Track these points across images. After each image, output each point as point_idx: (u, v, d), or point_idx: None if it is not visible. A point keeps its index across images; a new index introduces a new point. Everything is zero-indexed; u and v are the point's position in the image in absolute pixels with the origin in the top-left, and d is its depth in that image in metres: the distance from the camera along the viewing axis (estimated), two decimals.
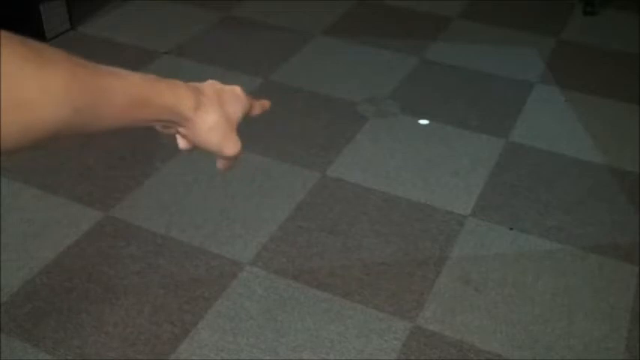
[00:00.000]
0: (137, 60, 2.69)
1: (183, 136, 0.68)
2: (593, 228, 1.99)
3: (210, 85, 0.69)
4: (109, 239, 1.90)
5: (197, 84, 0.68)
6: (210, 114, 0.66)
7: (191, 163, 2.15)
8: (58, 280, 1.77)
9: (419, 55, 2.82)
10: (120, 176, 2.13)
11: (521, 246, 1.92)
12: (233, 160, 0.71)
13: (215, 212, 2.01)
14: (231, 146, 0.69)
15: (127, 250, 1.87)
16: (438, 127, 2.41)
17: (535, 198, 2.09)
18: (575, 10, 3.21)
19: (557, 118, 2.48)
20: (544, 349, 1.64)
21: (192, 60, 2.74)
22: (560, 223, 2.00)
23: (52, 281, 1.77)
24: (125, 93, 0.56)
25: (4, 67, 0.44)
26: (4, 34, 0.45)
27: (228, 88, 0.71)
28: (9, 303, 1.70)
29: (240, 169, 2.17)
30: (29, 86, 0.45)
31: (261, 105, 0.78)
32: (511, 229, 1.98)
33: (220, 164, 0.73)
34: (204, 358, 1.59)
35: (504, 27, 3.07)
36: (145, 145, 2.22)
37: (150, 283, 1.77)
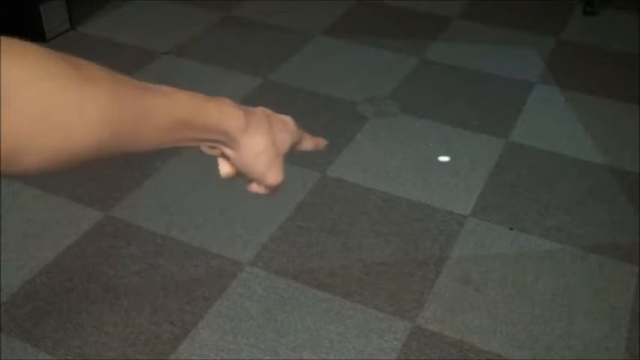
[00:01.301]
0: (137, 60, 2.69)
1: (228, 159, 0.64)
2: (593, 228, 1.99)
3: (262, 110, 0.66)
4: (109, 239, 1.90)
5: (248, 107, 0.64)
6: (260, 138, 0.63)
7: (191, 163, 2.15)
8: (58, 280, 1.77)
9: (419, 55, 2.82)
10: (120, 176, 2.13)
11: (521, 246, 1.92)
12: (273, 190, 0.68)
13: (215, 212, 2.01)
14: (275, 175, 0.66)
15: (127, 250, 1.87)
16: (438, 127, 2.41)
17: (535, 198, 2.09)
18: (575, 10, 3.21)
19: (557, 118, 2.48)
20: (544, 349, 1.64)
21: (192, 60, 2.74)
22: (560, 223, 2.00)
23: (52, 281, 1.77)
24: (169, 113, 0.52)
25: (42, 86, 0.41)
26: (43, 50, 0.42)
27: (279, 116, 0.68)
28: (9, 303, 1.70)
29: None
30: (68, 108, 0.42)
31: (315, 142, 0.74)
32: (511, 229, 1.98)
33: (254, 188, 0.69)
34: (204, 358, 1.59)
35: (504, 27, 3.07)
36: None
37: (150, 283, 1.77)
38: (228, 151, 0.62)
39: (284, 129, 0.67)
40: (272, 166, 0.66)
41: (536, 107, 2.53)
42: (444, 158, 2.24)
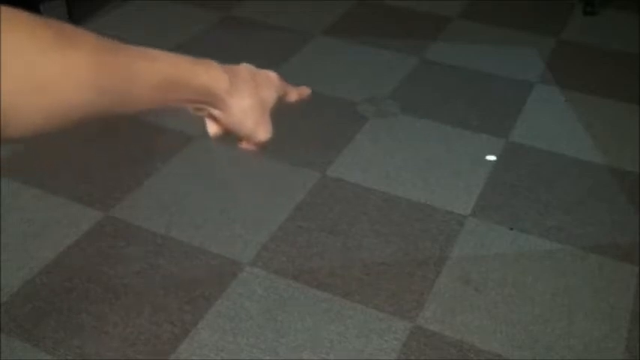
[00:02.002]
0: None
1: (216, 120, 0.66)
2: (593, 228, 1.99)
3: (245, 68, 0.68)
4: (109, 239, 1.90)
5: (232, 66, 0.66)
6: (246, 97, 0.65)
7: (191, 163, 2.15)
8: (58, 280, 1.77)
9: (419, 55, 2.82)
10: (120, 176, 2.13)
11: (521, 246, 1.92)
12: (262, 145, 0.70)
13: (215, 212, 2.00)
14: (263, 131, 0.68)
15: (127, 250, 1.87)
16: (438, 127, 2.41)
17: (535, 198, 2.09)
18: (575, 10, 3.21)
19: (557, 118, 2.48)
20: (544, 349, 1.64)
21: None
22: (560, 223, 2.00)
23: (52, 281, 1.77)
24: (155, 75, 0.54)
25: (25, 50, 0.43)
26: (27, 15, 0.44)
27: (262, 72, 0.70)
28: (9, 303, 1.70)
29: (240, 169, 2.17)
30: (51, 69, 0.44)
31: (299, 92, 0.76)
32: (511, 229, 1.98)
33: (245, 145, 0.71)
34: (204, 358, 1.59)
35: (504, 27, 3.07)
36: (145, 145, 2.22)
37: (150, 283, 1.77)
38: (216, 112, 0.65)
39: (269, 85, 0.70)
40: (260, 123, 0.68)
41: (536, 107, 2.53)
42: (491, 157, 2.23)
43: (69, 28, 0.47)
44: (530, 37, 2.99)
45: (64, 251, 1.85)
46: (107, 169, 2.16)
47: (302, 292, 1.76)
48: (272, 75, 0.71)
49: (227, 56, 2.55)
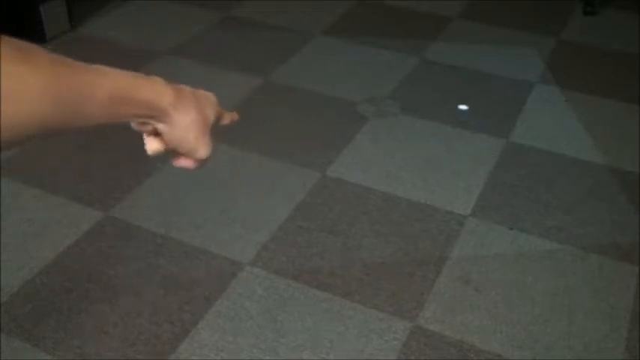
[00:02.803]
0: (137, 60, 2.69)
1: (159, 135, 0.68)
2: (593, 228, 1.99)
3: (186, 87, 0.70)
4: (109, 239, 1.90)
5: (175, 84, 0.69)
6: (190, 111, 0.67)
7: None
8: (58, 280, 1.77)
9: (419, 55, 2.82)
10: (120, 176, 2.13)
11: (521, 246, 1.92)
12: (201, 163, 0.72)
13: (215, 212, 2.01)
14: (204, 148, 0.70)
15: (127, 250, 1.87)
16: (438, 127, 2.41)
17: (535, 198, 2.09)
18: (575, 10, 3.21)
19: (557, 118, 2.48)
20: (544, 349, 1.64)
21: (192, 60, 2.74)
22: (560, 223, 2.00)
23: (52, 281, 1.77)
24: (105, 89, 0.57)
25: None
26: None
27: (202, 92, 0.72)
28: (9, 303, 1.71)
29: (240, 168, 2.17)
30: (9, 84, 0.46)
31: (231, 116, 0.78)
32: (511, 229, 1.98)
33: (183, 162, 0.72)
34: (204, 358, 1.59)
35: (504, 27, 3.07)
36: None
37: (150, 283, 1.77)
38: (160, 127, 0.66)
39: (209, 104, 0.72)
40: (201, 139, 0.69)
41: (536, 107, 2.53)
42: (463, 106, 2.22)
43: (23, 44, 0.50)
44: (530, 37, 2.99)
45: (64, 251, 1.86)
46: (107, 169, 2.16)
47: (302, 292, 1.76)
48: (211, 96, 0.73)
49: (227, 56, 2.55)
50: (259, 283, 1.78)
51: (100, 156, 2.22)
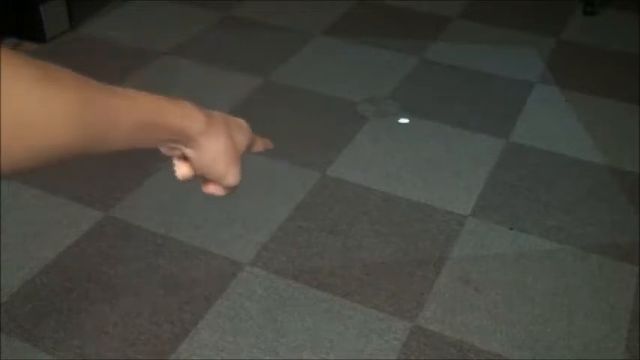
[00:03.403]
0: (137, 60, 2.69)
1: (188, 160, 0.66)
2: (593, 228, 1.99)
3: (219, 112, 0.67)
4: (109, 239, 1.90)
5: (206, 109, 0.66)
6: (220, 138, 0.65)
7: None
8: (58, 280, 1.77)
9: (419, 55, 2.82)
10: (120, 176, 2.13)
11: (521, 246, 1.92)
12: (231, 190, 0.70)
13: (215, 212, 2.01)
14: (234, 175, 0.68)
15: (127, 250, 1.87)
16: (438, 127, 2.41)
17: (535, 198, 2.09)
18: (575, 10, 3.21)
19: (557, 118, 2.48)
20: (544, 349, 1.64)
21: (192, 60, 2.74)
22: (560, 223, 2.00)
23: (52, 281, 1.77)
24: (134, 114, 0.54)
25: (9, 88, 0.42)
26: (8, 52, 0.43)
27: (234, 118, 0.70)
28: (9, 303, 1.71)
29: (240, 168, 2.17)
30: (34, 108, 0.44)
31: (264, 143, 0.76)
32: (511, 229, 1.98)
33: (212, 188, 0.71)
34: (204, 358, 1.59)
35: (504, 27, 3.07)
36: None
37: (150, 283, 1.77)
38: (189, 152, 0.64)
39: (240, 131, 0.69)
40: (231, 167, 0.68)
41: (536, 107, 2.53)
42: (404, 120, 2.22)
43: (50, 65, 0.47)
44: (530, 37, 2.99)
45: (64, 251, 1.86)
46: (107, 169, 2.16)
47: (302, 292, 1.76)
48: (243, 122, 0.71)
49: (227, 56, 2.55)
50: (259, 283, 1.78)
51: (100, 156, 2.21)
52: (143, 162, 2.18)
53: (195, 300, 1.73)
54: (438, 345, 1.64)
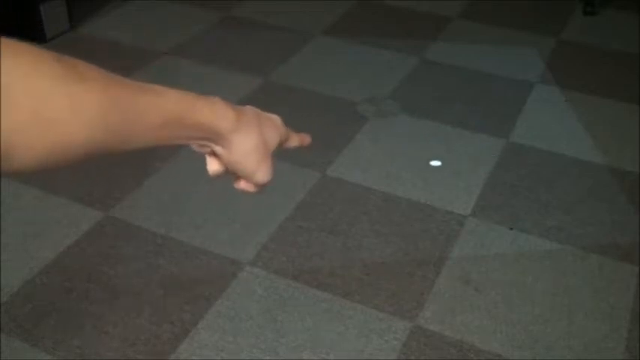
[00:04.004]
0: (137, 60, 2.69)
1: (218, 157, 0.65)
2: (593, 228, 1.99)
3: (251, 109, 0.66)
4: (109, 239, 1.90)
5: (237, 105, 0.64)
6: (251, 136, 0.64)
7: (191, 163, 2.15)
8: (58, 280, 1.77)
9: (419, 55, 2.82)
10: (120, 176, 2.13)
11: (521, 246, 1.92)
12: (262, 187, 0.69)
13: (215, 212, 2.01)
14: (265, 173, 0.67)
15: (127, 250, 1.87)
16: (438, 127, 2.41)
17: (535, 198, 2.09)
18: (575, 10, 3.21)
19: (557, 118, 2.48)
20: (544, 349, 1.64)
21: (192, 60, 2.74)
22: (560, 223, 2.00)
23: (52, 281, 1.77)
24: (161, 111, 0.53)
25: (35, 84, 0.42)
26: (38, 49, 0.43)
27: (267, 114, 0.69)
28: (9, 303, 1.71)
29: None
30: (60, 105, 0.43)
31: (301, 138, 0.75)
32: (511, 229, 1.98)
33: (243, 185, 0.70)
34: (204, 358, 1.59)
35: (504, 27, 3.07)
36: None
37: (150, 283, 1.77)
38: (218, 149, 0.63)
39: (272, 127, 0.68)
40: (262, 164, 0.66)
41: (536, 107, 2.53)
42: (436, 163, 2.23)
43: (79, 62, 0.46)
44: (530, 37, 2.99)
45: (64, 251, 1.86)
46: (107, 169, 2.16)
47: (302, 292, 1.76)
48: (275, 118, 0.70)
49: (227, 56, 2.56)
50: (259, 283, 1.78)
51: (125, 153, 2.21)
52: (143, 162, 2.18)
53: (195, 300, 1.73)
54: (438, 345, 1.64)
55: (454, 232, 1.96)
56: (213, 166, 0.67)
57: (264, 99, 2.47)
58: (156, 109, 0.53)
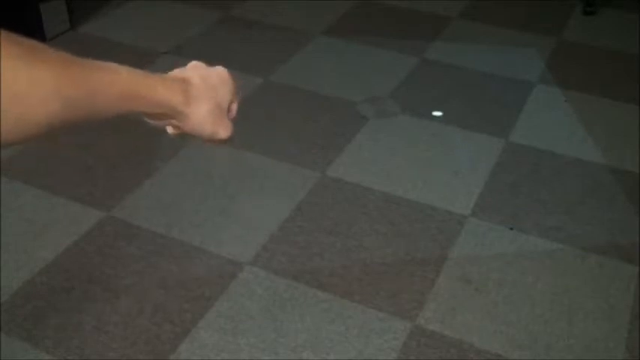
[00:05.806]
0: (137, 60, 2.69)
1: (175, 127, 0.69)
2: (593, 228, 1.99)
3: (196, 71, 0.70)
4: (109, 239, 1.90)
5: (183, 73, 0.69)
6: (201, 103, 0.68)
7: (191, 163, 2.15)
8: (58, 280, 1.77)
9: (419, 55, 2.82)
10: (120, 176, 2.13)
11: (521, 246, 1.92)
12: (225, 143, 0.72)
13: (215, 212, 2.01)
14: (223, 131, 0.71)
15: (127, 250, 1.87)
16: (438, 127, 2.41)
17: (535, 198, 2.09)
18: (575, 10, 3.21)
19: (557, 118, 2.48)
20: (544, 349, 1.64)
21: (192, 60, 2.73)
22: (560, 223, 2.00)
23: (52, 281, 1.77)
24: (116, 87, 0.58)
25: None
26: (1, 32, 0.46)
27: (213, 71, 0.72)
28: (9, 303, 1.70)
29: (240, 168, 2.17)
30: (20, 84, 0.47)
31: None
32: (511, 229, 1.98)
33: (209, 144, 0.74)
34: (204, 358, 1.59)
35: (504, 27, 3.07)
36: (145, 145, 2.22)
37: (150, 283, 1.77)
38: (175, 122, 0.68)
39: (221, 84, 0.72)
40: (219, 124, 0.70)
41: (536, 107, 2.53)
42: (437, 113, 2.22)
43: (38, 44, 0.50)
44: (530, 37, 2.99)
45: (64, 251, 1.85)
46: (107, 169, 2.16)
47: (302, 292, 1.76)
48: (222, 71, 0.74)
49: (227, 56, 2.55)
50: (259, 283, 1.78)
51: (100, 156, 2.22)
52: (143, 162, 2.18)
53: (195, 300, 1.73)
54: (437, 345, 1.64)
55: (454, 232, 1.96)
56: (171, 130, 0.71)
57: (264, 99, 2.47)
58: (112, 84, 0.57)
